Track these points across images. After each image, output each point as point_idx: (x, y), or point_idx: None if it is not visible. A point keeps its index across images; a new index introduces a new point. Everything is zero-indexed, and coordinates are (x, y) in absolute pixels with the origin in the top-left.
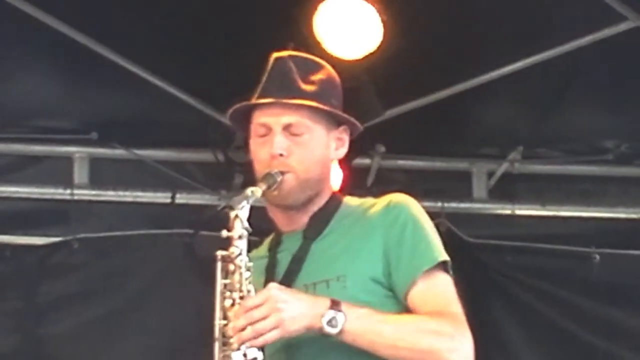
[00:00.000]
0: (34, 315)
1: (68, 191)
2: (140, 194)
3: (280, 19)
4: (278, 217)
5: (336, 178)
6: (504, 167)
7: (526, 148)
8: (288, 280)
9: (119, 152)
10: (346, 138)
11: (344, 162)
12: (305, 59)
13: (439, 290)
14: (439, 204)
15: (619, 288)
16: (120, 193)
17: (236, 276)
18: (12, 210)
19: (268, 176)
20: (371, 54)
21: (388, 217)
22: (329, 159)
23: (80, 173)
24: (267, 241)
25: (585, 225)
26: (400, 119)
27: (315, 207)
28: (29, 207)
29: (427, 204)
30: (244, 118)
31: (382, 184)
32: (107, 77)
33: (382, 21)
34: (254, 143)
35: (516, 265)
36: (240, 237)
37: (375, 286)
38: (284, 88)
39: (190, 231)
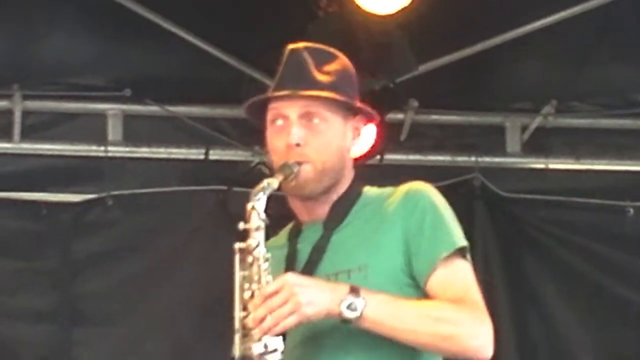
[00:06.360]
0: (70, 273)
1: (102, 148)
2: (173, 150)
3: None
4: (298, 207)
5: (370, 133)
6: (537, 121)
7: (560, 102)
8: (309, 271)
9: (152, 108)
10: (362, 128)
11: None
12: (320, 49)
13: (459, 278)
14: (473, 159)
15: None
16: (154, 149)
17: (254, 268)
18: (47, 168)
19: (285, 167)
20: (404, 8)
21: (407, 205)
22: (346, 149)
23: (114, 130)
24: (286, 230)
25: (619, 178)
26: (433, 73)
27: (334, 197)
28: (63, 165)
29: (460, 158)
30: (261, 110)
31: (415, 139)
32: (141, 34)
33: None
34: (271, 133)
35: (549, 219)
36: (257, 229)
37: (397, 275)
38: (300, 79)
39: (224, 187)
